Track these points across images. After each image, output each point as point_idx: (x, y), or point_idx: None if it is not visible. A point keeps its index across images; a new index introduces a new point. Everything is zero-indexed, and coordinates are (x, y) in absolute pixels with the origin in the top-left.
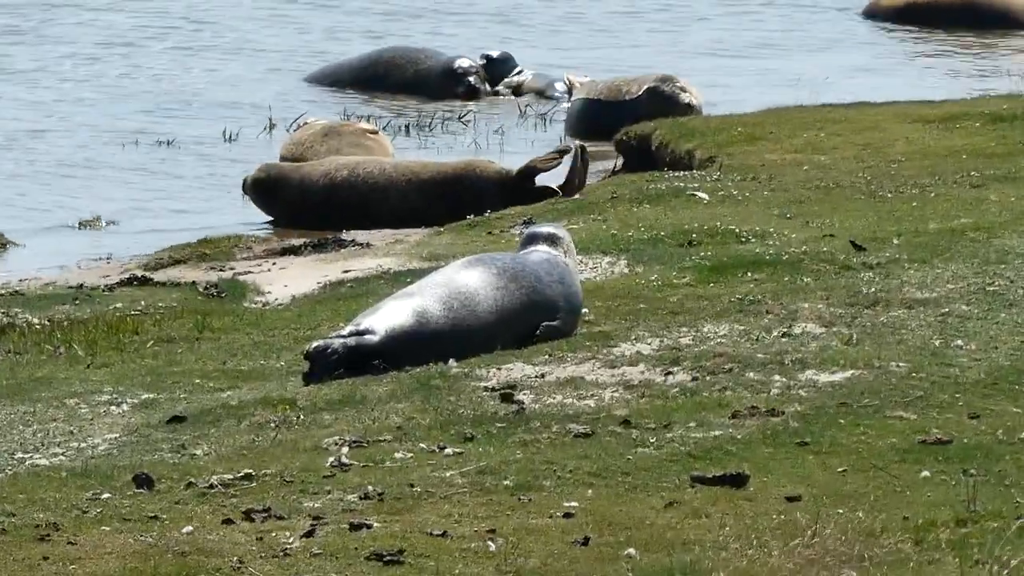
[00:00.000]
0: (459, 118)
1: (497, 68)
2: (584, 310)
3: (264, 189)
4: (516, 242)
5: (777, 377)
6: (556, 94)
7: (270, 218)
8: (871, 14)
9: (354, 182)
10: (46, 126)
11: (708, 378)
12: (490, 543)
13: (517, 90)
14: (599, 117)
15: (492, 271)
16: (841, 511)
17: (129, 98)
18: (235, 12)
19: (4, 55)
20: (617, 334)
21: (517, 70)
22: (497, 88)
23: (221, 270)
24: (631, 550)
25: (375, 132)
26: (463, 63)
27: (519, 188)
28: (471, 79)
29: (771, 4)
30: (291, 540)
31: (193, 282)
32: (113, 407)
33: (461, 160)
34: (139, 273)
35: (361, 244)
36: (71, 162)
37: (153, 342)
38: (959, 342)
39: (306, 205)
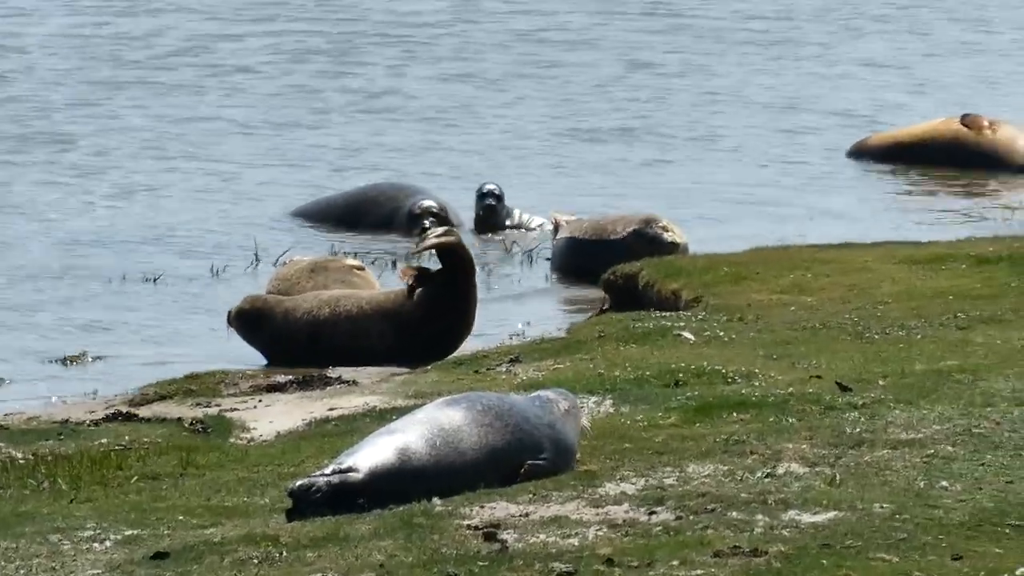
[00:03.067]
0: None
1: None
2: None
3: (248, 321)
4: (503, 380)
5: (760, 517)
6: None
7: (257, 354)
8: (857, 154)
9: (336, 320)
10: (31, 260)
11: (691, 517)
12: None
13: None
14: (584, 256)
15: (477, 408)
16: None
17: (114, 233)
18: (224, 147)
19: None
20: (602, 473)
21: (507, 211)
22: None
23: (207, 406)
24: None
25: (362, 268)
26: (423, 203)
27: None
28: (427, 221)
29: (755, 142)
30: None
31: (179, 418)
32: (96, 543)
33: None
34: (124, 409)
35: (347, 382)
36: (56, 297)
37: (137, 478)
38: (944, 483)
39: (289, 340)
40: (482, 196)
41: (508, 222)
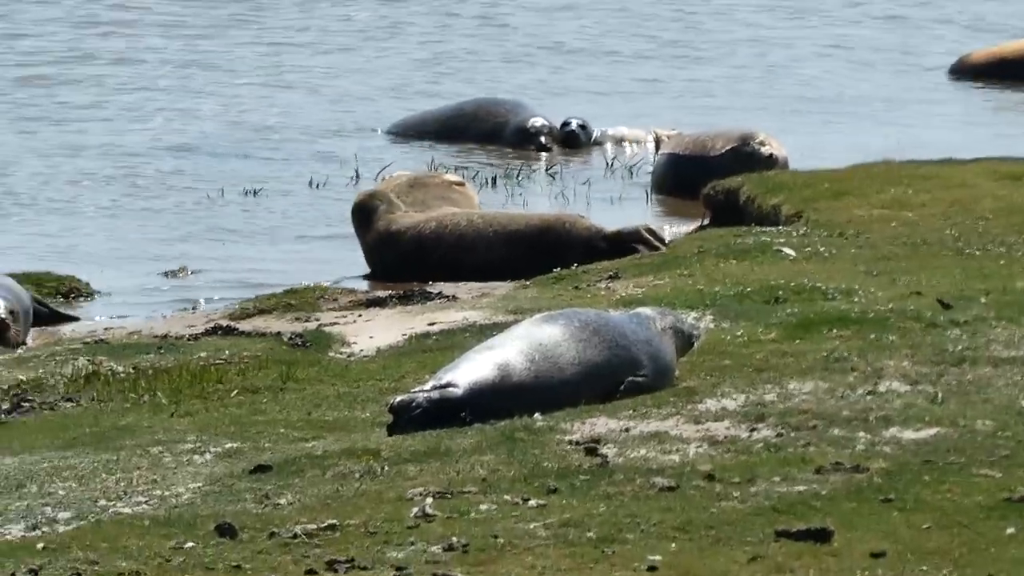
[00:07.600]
0: (546, 170)
1: (577, 138)
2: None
3: (362, 214)
4: (602, 296)
5: (862, 434)
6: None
7: (355, 269)
8: (958, 71)
9: (442, 233)
10: (133, 174)
11: (793, 434)
12: None
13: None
14: (684, 171)
15: (574, 324)
16: (925, 568)
17: (215, 146)
18: (322, 59)
19: (93, 103)
20: (702, 390)
21: (596, 133)
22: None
23: (306, 321)
24: None
25: (462, 184)
26: (536, 122)
27: (610, 247)
28: (543, 138)
29: (857, 61)
30: None
31: (278, 332)
32: (197, 456)
33: (550, 213)
34: (224, 323)
35: (447, 297)
36: (157, 211)
37: (237, 391)
38: None
39: (394, 252)
40: (564, 125)
41: (596, 139)
